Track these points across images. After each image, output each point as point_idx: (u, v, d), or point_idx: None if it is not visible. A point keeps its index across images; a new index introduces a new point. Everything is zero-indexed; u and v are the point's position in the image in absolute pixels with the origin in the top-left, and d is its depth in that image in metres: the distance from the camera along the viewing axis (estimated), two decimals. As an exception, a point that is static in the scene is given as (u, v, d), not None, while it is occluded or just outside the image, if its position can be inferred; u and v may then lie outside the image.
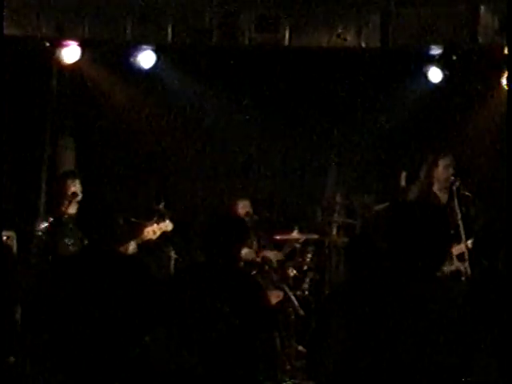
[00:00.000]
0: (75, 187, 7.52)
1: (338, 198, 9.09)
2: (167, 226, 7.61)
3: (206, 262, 4.99)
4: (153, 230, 7.53)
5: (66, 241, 7.35)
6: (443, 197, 7.51)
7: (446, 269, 6.93)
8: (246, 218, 8.33)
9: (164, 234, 7.63)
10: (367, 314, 3.59)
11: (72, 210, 7.41)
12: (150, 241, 7.55)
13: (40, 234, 7.39)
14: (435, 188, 7.60)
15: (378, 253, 5.28)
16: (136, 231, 7.45)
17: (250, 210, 8.55)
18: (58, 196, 7.60)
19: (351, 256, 5.63)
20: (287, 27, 8.40)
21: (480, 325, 4.05)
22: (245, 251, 8.03)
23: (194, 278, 4.95)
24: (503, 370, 4.51)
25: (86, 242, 5.11)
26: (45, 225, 7.47)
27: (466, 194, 7.45)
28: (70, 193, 7.46)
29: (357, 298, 3.71)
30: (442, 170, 7.55)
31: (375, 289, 3.66)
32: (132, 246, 7.33)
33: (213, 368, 4.73)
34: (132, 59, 8.83)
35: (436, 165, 7.59)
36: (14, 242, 7.50)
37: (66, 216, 7.44)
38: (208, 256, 5.00)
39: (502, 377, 4.50)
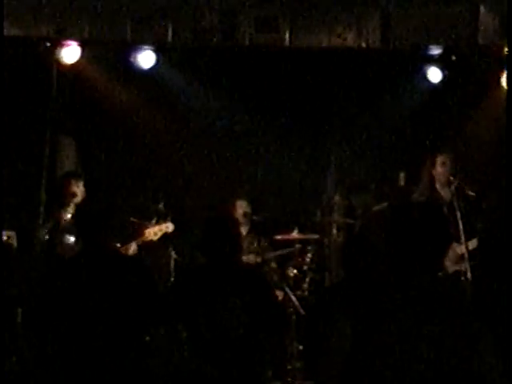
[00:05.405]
0: (76, 187, 7.52)
1: (338, 198, 9.08)
2: (168, 227, 7.62)
3: (208, 262, 4.99)
4: (154, 232, 7.53)
5: (67, 241, 7.36)
6: (446, 195, 7.50)
7: (449, 269, 6.93)
8: (244, 218, 8.35)
9: (165, 234, 7.63)
10: (365, 314, 3.59)
11: (72, 210, 7.41)
12: (150, 242, 7.55)
13: (40, 234, 7.39)
14: (438, 187, 7.61)
15: (376, 252, 5.28)
16: (136, 232, 7.46)
17: (248, 210, 8.54)
18: (59, 196, 7.61)
19: (347, 255, 5.62)
20: (287, 27, 8.40)
21: (480, 324, 4.05)
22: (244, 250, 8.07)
23: (199, 278, 4.95)
24: (504, 370, 4.51)
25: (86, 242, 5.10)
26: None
27: (470, 193, 7.43)
28: (70, 193, 7.47)
29: (354, 297, 3.72)
30: (440, 167, 7.57)
31: (373, 288, 3.67)
32: (133, 247, 7.34)
33: (221, 367, 4.73)
34: (132, 59, 8.83)
35: (434, 163, 7.60)
36: (15, 242, 7.50)
37: (66, 216, 7.45)
38: (207, 257, 5.00)
39: (502, 376, 4.50)
